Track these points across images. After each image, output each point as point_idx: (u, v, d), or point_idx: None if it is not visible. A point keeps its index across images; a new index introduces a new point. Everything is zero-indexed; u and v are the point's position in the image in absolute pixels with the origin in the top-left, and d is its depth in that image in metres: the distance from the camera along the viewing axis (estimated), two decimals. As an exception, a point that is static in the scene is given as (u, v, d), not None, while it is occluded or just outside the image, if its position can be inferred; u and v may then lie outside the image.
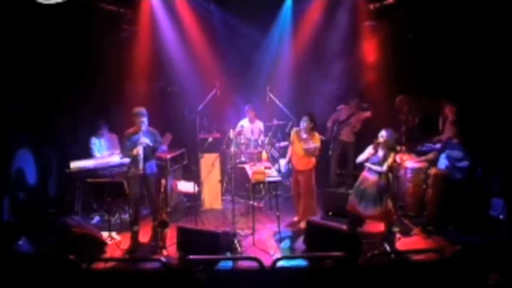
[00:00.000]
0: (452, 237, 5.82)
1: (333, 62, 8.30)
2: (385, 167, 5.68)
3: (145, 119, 5.85)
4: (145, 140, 5.77)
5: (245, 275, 4.87)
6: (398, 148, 5.85)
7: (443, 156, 6.36)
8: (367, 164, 5.88)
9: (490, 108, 6.45)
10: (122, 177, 6.24)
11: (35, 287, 4.27)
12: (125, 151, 5.94)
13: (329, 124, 7.93)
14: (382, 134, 5.79)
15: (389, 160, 5.70)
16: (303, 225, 6.23)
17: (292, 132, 6.60)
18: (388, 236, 5.79)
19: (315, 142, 6.37)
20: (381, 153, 5.81)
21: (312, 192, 6.46)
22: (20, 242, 5.60)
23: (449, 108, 6.72)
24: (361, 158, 5.96)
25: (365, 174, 5.93)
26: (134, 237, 5.93)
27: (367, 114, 7.79)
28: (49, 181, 7.19)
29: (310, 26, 8.23)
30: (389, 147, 5.76)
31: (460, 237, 5.73)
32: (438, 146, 6.71)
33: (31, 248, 5.51)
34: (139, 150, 5.73)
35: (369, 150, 5.90)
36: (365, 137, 7.37)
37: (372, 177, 5.82)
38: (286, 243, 5.99)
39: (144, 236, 6.12)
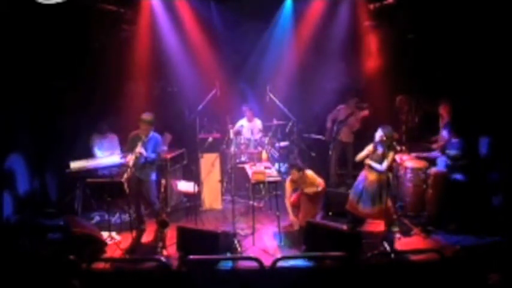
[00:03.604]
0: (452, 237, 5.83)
1: (332, 62, 8.30)
2: (384, 166, 5.69)
3: (148, 127, 5.85)
4: (139, 150, 5.76)
5: (245, 275, 4.87)
6: (398, 148, 5.81)
7: (443, 155, 6.36)
8: (367, 161, 5.86)
9: (490, 107, 6.45)
10: (121, 177, 6.23)
11: (35, 286, 4.27)
12: (125, 152, 6.04)
13: (328, 124, 7.94)
14: (380, 133, 5.79)
15: (389, 158, 5.70)
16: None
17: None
18: (388, 236, 5.79)
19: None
20: (380, 151, 5.80)
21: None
22: (20, 242, 5.60)
23: (442, 107, 6.71)
24: (360, 156, 5.96)
25: (364, 173, 5.93)
26: (138, 236, 5.94)
27: (365, 113, 7.79)
28: (48, 181, 7.19)
29: (310, 25, 8.22)
30: (388, 145, 5.75)
31: (460, 238, 5.74)
32: (435, 146, 6.71)
33: (31, 248, 5.51)
34: (132, 158, 5.73)
35: (368, 148, 5.90)
36: (364, 137, 7.38)
37: (371, 176, 5.82)
38: (286, 243, 5.97)
39: (145, 236, 6.11)
